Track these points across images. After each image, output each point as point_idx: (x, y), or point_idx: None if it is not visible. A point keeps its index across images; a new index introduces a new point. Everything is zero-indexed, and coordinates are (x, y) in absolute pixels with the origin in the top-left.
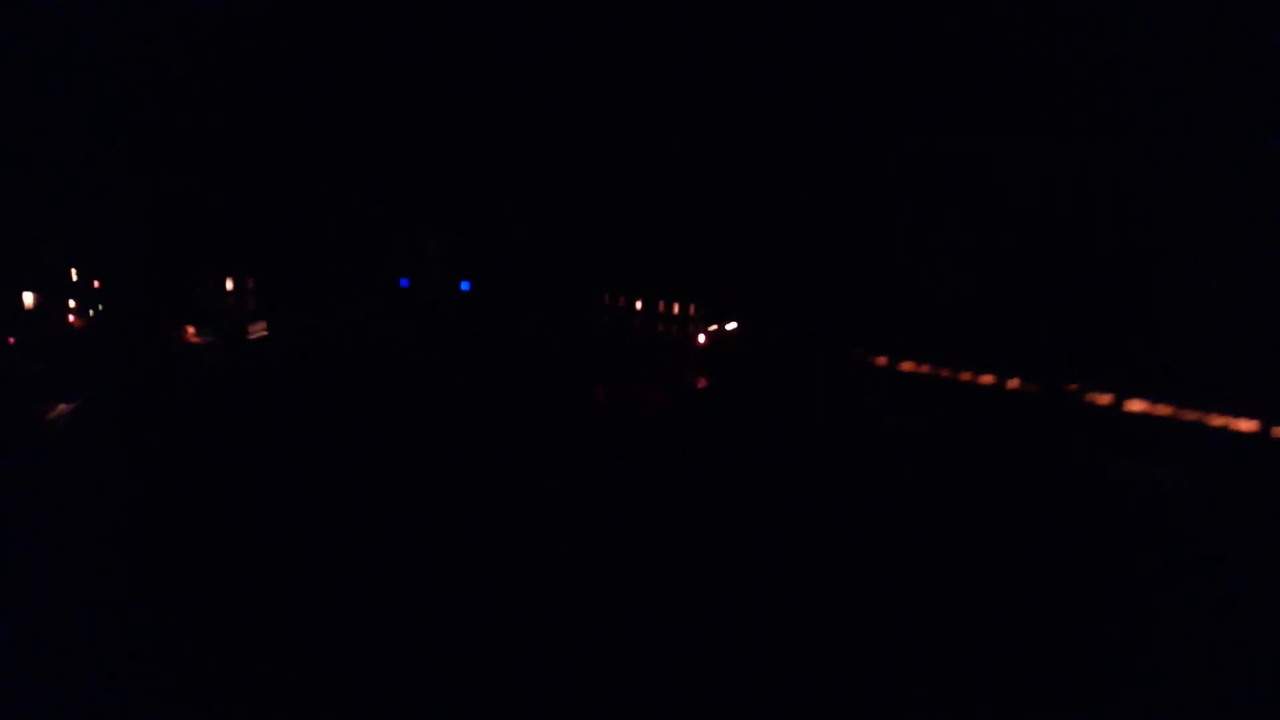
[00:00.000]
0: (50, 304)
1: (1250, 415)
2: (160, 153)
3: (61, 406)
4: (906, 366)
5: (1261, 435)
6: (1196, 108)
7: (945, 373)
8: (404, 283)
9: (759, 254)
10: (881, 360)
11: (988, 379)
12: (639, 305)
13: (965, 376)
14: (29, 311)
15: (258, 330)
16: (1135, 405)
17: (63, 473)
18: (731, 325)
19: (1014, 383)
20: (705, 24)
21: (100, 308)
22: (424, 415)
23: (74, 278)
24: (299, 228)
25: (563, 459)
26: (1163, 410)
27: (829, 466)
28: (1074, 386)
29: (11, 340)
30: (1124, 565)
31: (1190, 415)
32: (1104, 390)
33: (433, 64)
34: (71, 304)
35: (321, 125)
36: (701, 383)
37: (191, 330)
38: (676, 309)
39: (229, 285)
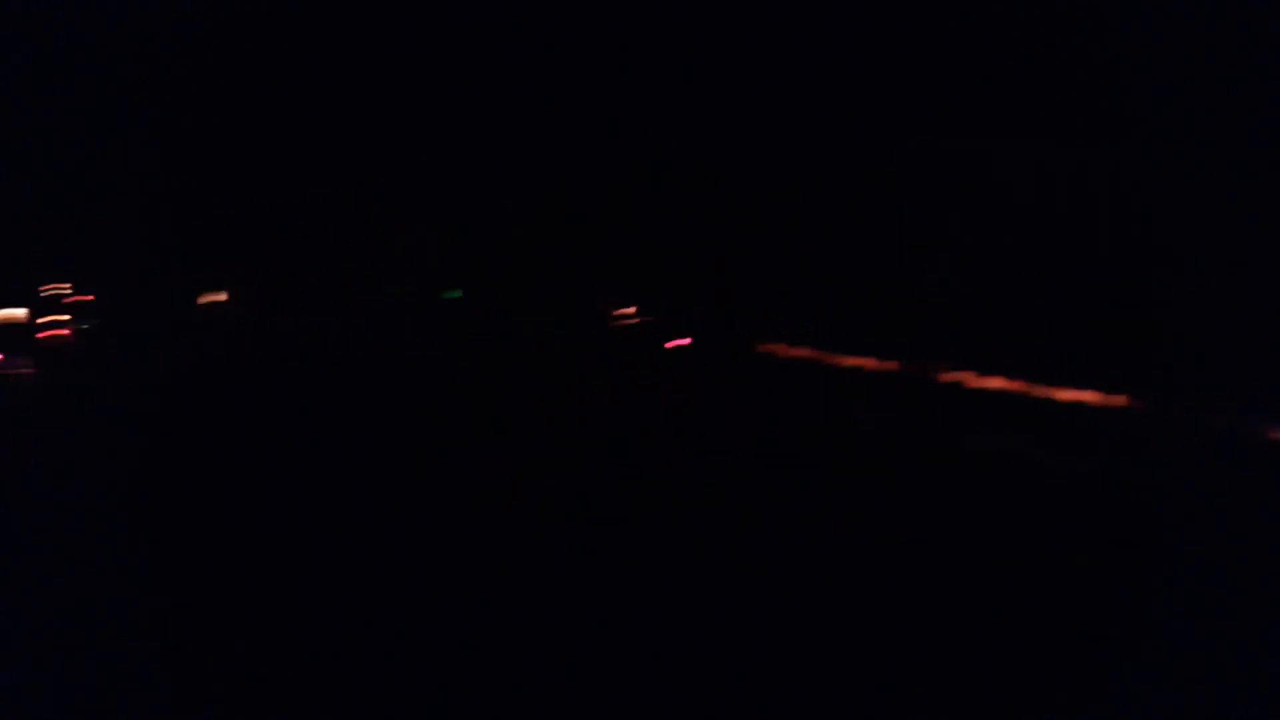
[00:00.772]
0: (41, 317)
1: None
2: (152, 159)
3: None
4: (894, 365)
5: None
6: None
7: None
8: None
9: (753, 256)
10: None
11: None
12: (627, 310)
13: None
14: (21, 325)
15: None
16: (993, 382)
17: (60, 473)
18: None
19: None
20: (704, 24)
21: (97, 322)
22: (423, 416)
23: (68, 290)
24: (297, 230)
25: (562, 459)
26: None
27: (806, 467)
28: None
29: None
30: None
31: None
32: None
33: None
34: (66, 317)
35: (316, 128)
36: (675, 391)
37: None
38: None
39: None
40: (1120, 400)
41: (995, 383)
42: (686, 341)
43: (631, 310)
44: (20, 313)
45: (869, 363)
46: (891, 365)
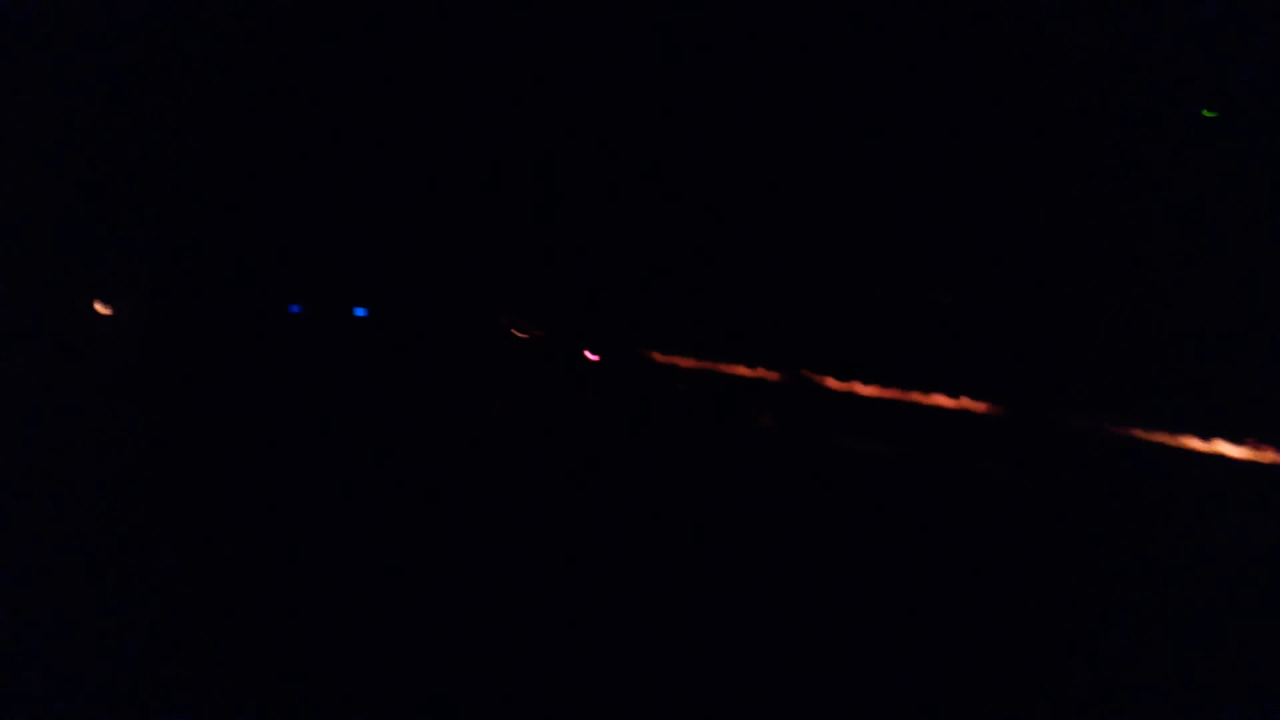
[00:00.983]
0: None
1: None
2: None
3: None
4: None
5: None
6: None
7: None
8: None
9: (651, 267)
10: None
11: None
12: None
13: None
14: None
15: None
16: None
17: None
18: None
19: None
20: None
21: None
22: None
23: None
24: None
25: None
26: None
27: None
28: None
29: None
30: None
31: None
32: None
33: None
34: None
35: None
36: (583, 404)
37: None
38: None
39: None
40: (982, 406)
41: (871, 390)
42: (594, 358)
43: (533, 324)
44: None
45: (758, 372)
46: (777, 373)
